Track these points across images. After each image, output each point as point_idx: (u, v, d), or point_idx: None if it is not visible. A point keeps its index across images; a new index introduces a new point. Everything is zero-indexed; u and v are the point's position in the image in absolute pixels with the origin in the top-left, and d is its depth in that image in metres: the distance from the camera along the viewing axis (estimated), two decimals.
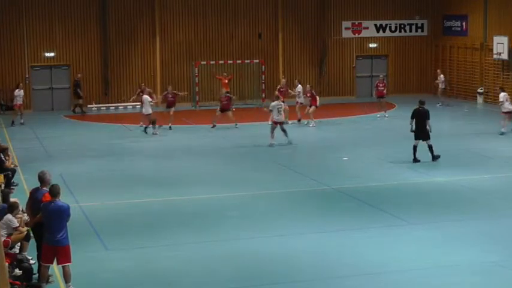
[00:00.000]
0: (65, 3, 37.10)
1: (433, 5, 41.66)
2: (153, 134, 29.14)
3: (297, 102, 32.09)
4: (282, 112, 26.63)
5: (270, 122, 27.49)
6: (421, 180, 20.94)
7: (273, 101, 26.91)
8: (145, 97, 29.63)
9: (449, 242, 15.15)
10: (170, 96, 31.27)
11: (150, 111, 29.37)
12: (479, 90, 38.10)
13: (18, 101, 32.85)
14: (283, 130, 26.37)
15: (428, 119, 22.96)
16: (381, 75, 35.49)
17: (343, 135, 29.45)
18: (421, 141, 23.01)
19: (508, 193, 19.33)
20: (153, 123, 29.23)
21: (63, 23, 37.11)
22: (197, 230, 16.40)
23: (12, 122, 32.49)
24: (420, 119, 22.96)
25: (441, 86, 37.28)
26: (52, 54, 37.21)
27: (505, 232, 15.90)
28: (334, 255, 14.56)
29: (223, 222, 16.97)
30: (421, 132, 22.92)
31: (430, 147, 23.01)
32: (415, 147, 23.03)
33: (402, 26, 41.67)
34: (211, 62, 38.41)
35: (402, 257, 14.37)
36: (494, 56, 36.77)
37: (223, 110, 30.61)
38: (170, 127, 30.52)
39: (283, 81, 34.32)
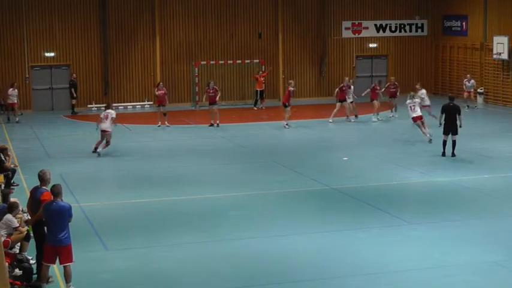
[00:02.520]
0: (65, 3, 37.08)
1: (433, 5, 41.64)
2: (98, 153, 25.24)
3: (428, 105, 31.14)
4: (417, 108, 26.08)
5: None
6: (421, 180, 20.94)
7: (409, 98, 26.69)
8: (112, 112, 25.62)
9: (449, 242, 15.15)
10: (211, 91, 30.77)
11: (111, 129, 25.49)
12: (479, 90, 38.07)
13: (12, 100, 33.16)
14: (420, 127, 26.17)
15: (460, 114, 23.70)
16: (392, 78, 34.78)
17: (343, 135, 29.44)
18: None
19: (508, 193, 19.32)
20: (108, 143, 25.56)
21: (63, 23, 37.09)
22: (197, 230, 16.40)
23: (13, 120, 33.29)
24: (450, 114, 23.64)
25: (469, 90, 36.70)
26: (52, 54, 37.18)
27: (505, 232, 15.89)
28: (334, 255, 14.55)
29: (223, 222, 16.97)
30: (451, 127, 23.55)
31: (454, 143, 23.59)
32: (444, 142, 23.66)
33: (402, 26, 41.64)
34: (211, 62, 38.41)
35: (402, 257, 14.36)
36: (494, 56, 36.77)
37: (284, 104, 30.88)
38: (218, 124, 30.68)
39: (346, 79, 33.19)
